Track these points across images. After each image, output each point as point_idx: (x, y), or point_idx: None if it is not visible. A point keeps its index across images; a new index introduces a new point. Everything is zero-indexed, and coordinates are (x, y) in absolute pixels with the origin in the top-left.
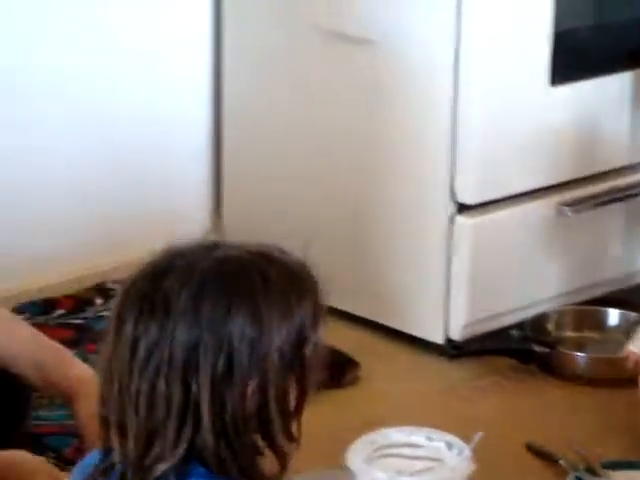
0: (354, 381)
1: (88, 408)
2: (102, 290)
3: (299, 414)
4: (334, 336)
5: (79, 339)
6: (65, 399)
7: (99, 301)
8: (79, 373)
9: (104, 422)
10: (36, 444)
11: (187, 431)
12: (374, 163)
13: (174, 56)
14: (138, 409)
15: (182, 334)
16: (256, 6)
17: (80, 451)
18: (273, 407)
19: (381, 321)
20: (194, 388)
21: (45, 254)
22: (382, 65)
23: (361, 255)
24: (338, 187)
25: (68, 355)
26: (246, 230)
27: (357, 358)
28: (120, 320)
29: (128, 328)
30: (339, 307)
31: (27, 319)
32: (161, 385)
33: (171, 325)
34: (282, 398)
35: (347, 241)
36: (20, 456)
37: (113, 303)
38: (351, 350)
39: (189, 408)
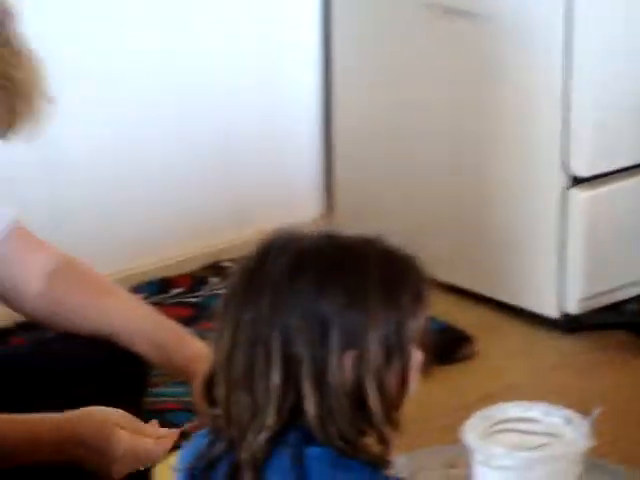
0: (469, 357)
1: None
2: (217, 269)
3: (400, 400)
4: (448, 312)
5: (195, 317)
6: (184, 377)
7: (214, 280)
8: (197, 351)
9: (211, 399)
10: (157, 420)
11: (289, 401)
12: (486, 140)
13: (283, 41)
14: (241, 383)
15: (282, 311)
16: None
17: (199, 427)
18: (372, 389)
19: (496, 296)
20: (294, 362)
21: (161, 234)
22: (492, 39)
23: (476, 231)
24: (449, 166)
25: (186, 334)
26: (357, 212)
27: (472, 334)
28: (226, 300)
29: (232, 307)
30: (453, 283)
31: (144, 298)
32: (261, 358)
33: (271, 303)
34: (381, 381)
35: (461, 219)
36: (98, 409)
37: (226, 283)
38: (466, 326)
39: (290, 380)
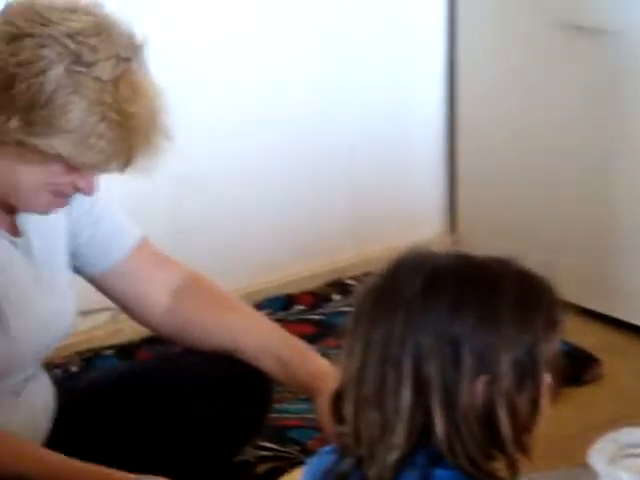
0: (596, 379)
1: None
2: (340, 286)
3: (531, 424)
4: (575, 334)
5: (318, 334)
6: (308, 394)
7: (337, 297)
8: (320, 368)
9: (338, 416)
10: (280, 436)
11: (418, 421)
12: (616, 158)
13: (410, 62)
14: (371, 401)
15: (414, 331)
16: (490, 4)
17: (322, 444)
18: (503, 414)
19: (622, 317)
20: (425, 383)
21: (285, 252)
22: (621, 56)
23: (602, 253)
24: (577, 184)
25: (309, 350)
26: (480, 230)
27: (598, 355)
28: (356, 318)
29: (362, 325)
30: (578, 304)
31: (268, 315)
32: (392, 377)
33: (404, 321)
34: (512, 405)
35: (588, 239)
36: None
37: (352, 301)
38: (592, 347)
39: (420, 400)
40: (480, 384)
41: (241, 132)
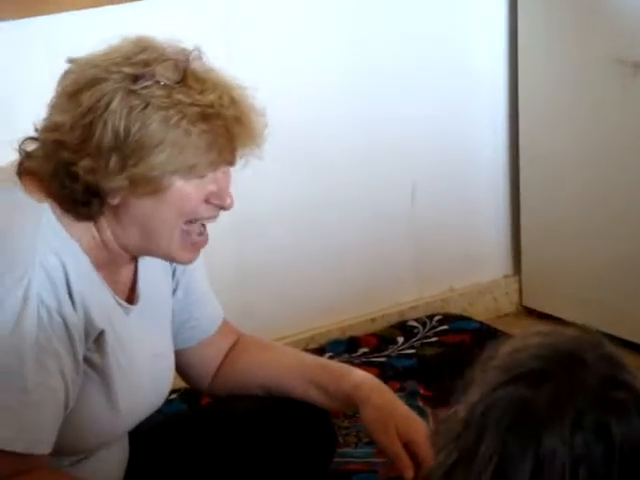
0: None
1: (370, 414)
2: (404, 328)
3: None
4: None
5: (382, 377)
6: (351, 409)
7: (401, 339)
8: (354, 379)
9: None
10: None
11: None
12: None
13: (469, 99)
14: None
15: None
16: (550, 40)
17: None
18: None
19: None
20: None
21: (348, 294)
22: None
23: None
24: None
25: (343, 366)
26: (543, 273)
27: None
28: (480, 421)
29: (489, 440)
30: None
31: (331, 357)
32: None
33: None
34: None
35: None
36: None
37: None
38: None
39: None
40: None
41: (299, 176)
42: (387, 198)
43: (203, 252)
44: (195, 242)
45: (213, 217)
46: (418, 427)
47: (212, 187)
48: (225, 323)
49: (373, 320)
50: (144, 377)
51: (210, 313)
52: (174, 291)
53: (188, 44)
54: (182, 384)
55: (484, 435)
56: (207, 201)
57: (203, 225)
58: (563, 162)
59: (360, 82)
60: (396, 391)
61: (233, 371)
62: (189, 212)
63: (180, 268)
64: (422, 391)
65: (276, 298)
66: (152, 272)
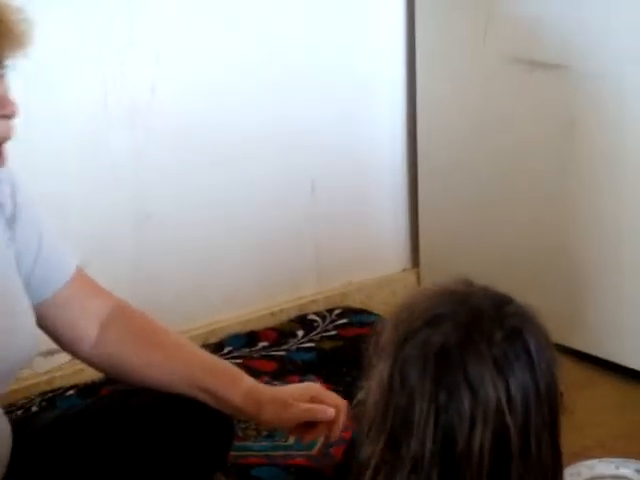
0: (561, 412)
1: (268, 410)
2: (303, 322)
3: None
4: None
5: (281, 371)
6: (248, 417)
7: (300, 333)
8: (249, 389)
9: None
10: (242, 475)
11: None
12: (570, 195)
13: (370, 95)
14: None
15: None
16: (447, 41)
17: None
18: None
19: (587, 351)
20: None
21: (248, 288)
22: (576, 91)
23: (567, 288)
24: (530, 222)
25: (235, 373)
26: (441, 267)
27: (563, 389)
28: (402, 372)
29: (419, 396)
30: None
31: (230, 352)
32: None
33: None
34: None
35: (550, 274)
36: None
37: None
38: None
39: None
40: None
41: (199, 169)
42: (287, 193)
43: (99, 243)
44: None
45: (3, 131)
46: (311, 388)
47: None
48: (85, 279)
49: (273, 314)
50: None
51: (55, 262)
52: (9, 241)
53: None
54: (81, 379)
55: (414, 395)
56: None
57: None
58: (460, 157)
59: (261, 74)
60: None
61: (116, 359)
62: None
63: (14, 216)
64: (321, 384)
65: (175, 292)
66: None
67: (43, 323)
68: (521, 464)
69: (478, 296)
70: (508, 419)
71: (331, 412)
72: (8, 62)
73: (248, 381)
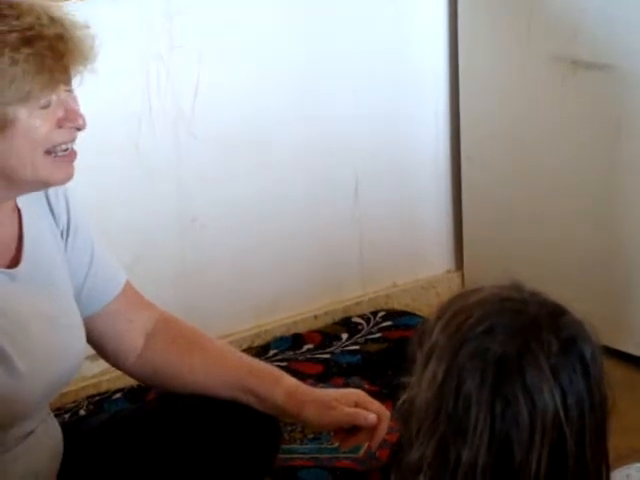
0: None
1: (312, 411)
2: (348, 324)
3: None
4: None
5: (326, 373)
6: (291, 417)
7: (345, 335)
8: (290, 388)
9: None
10: (289, 478)
11: None
12: (619, 193)
13: (413, 99)
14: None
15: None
16: (490, 39)
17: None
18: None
19: (632, 352)
20: None
21: (292, 291)
22: (622, 91)
23: (611, 292)
24: (577, 227)
25: (276, 374)
26: (485, 269)
27: (609, 391)
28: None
29: (476, 405)
30: None
31: (276, 354)
32: None
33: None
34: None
35: (595, 277)
36: None
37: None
38: None
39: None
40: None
41: (243, 172)
42: (330, 194)
43: (143, 248)
44: (61, 159)
45: (70, 140)
46: (356, 394)
47: (60, 112)
48: (132, 292)
49: (316, 317)
50: (38, 342)
51: (106, 275)
52: (65, 252)
53: None
54: (128, 382)
55: (470, 402)
56: (60, 126)
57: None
58: (504, 158)
59: (303, 76)
60: (340, 387)
61: (159, 368)
62: (43, 141)
63: (68, 228)
64: (367, 386)
65: (220, 296)
66: (39, 235)
67: (89, 335)
68: (577, 472)
69: (534, 305)
70: (565, 428)
71: (372, 418)
72: (76, 77)
73: (290, 381)
